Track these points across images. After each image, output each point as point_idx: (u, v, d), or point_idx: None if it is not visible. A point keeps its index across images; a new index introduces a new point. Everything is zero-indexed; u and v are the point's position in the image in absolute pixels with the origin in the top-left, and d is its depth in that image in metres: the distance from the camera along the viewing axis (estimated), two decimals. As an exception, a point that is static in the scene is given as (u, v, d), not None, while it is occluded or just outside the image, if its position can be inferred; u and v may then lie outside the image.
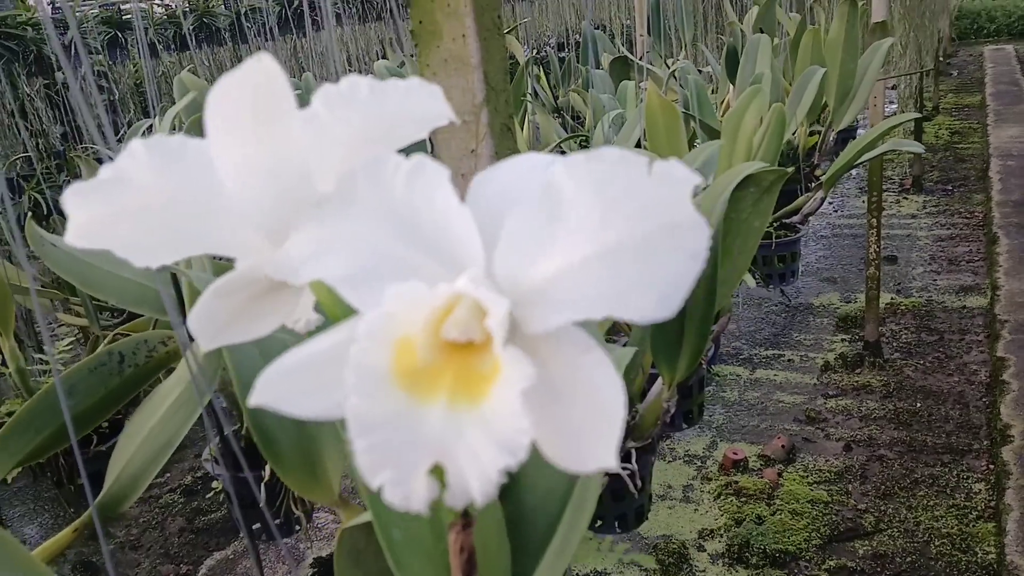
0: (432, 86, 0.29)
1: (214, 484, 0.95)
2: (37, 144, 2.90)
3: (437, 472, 0.27)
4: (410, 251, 0.28)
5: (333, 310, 0.32)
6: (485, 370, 0.27)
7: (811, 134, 2.04)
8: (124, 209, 0.29)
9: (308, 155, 0.29)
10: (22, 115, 2.86)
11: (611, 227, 0.26)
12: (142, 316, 1.32)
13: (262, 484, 0.84)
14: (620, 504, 1.04)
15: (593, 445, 0.27)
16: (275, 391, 0.28)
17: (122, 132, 3.04)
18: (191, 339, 0.38)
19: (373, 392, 0.26)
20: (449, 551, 0.38)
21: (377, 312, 0.27)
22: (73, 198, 0.28)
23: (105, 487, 0.78)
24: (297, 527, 0.90)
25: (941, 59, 6.09)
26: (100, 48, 3.21)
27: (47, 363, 1.15)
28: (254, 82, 0.28)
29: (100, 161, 2.20)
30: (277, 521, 0.88)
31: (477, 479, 0.26)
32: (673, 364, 0.82)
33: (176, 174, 0.29)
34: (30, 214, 2.56)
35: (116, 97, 3.25)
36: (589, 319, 0.27)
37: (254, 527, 0.87)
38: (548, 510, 0.47)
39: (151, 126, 1.66)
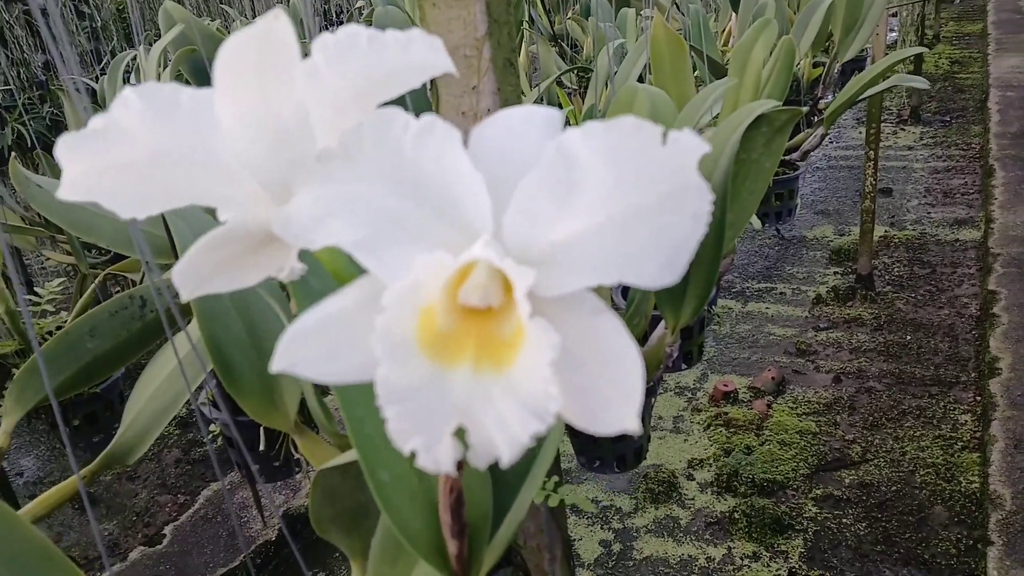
0: (432, 37, 0.28)
1: (212, 428, 0.95)
2: (18, 74, 2.82)
3: (458, 433, 0.27)
4: (418, 212, 0.28)
5: (336, 269, 0.31)
6: (507, 336, 0.27)
7: (814, 66, 2.00)
8: (117, 160, 0.28)
9: (309, 107, 0.28)
10: (2, 43, 2.77)
11: (626, 193, 0.26)
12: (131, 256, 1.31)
13: (260, 428, 0.85)
14: (619, 445, 1.05)
15: (614, 409, 0.28)
16: (295, 354, 0.28)
17: (105, 60, 2.96)
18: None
19: (401, 360, 0.27)
20: (439, 491, 0.39)
21: (402, 283, 0.27)
22: (65, 151, 0.27)
23: (116, 437, 0.78)
24: (297, 468, 0.91)
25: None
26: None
27: (37, 304, 1.14)
28: (263, 37, 0.27)
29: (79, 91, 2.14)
30: (276, 464, 0.89)
31: (507, 443, 0.26)
32: (677, 309, 0.81)
33: (170, 124, 0.29)
34: (13, 151, 2.50)
35: (98, 24, 3.15)
36: (601, 284, 0.26)
37: (254, 467, 0.88)
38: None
39: (135, 57, 1.61)
